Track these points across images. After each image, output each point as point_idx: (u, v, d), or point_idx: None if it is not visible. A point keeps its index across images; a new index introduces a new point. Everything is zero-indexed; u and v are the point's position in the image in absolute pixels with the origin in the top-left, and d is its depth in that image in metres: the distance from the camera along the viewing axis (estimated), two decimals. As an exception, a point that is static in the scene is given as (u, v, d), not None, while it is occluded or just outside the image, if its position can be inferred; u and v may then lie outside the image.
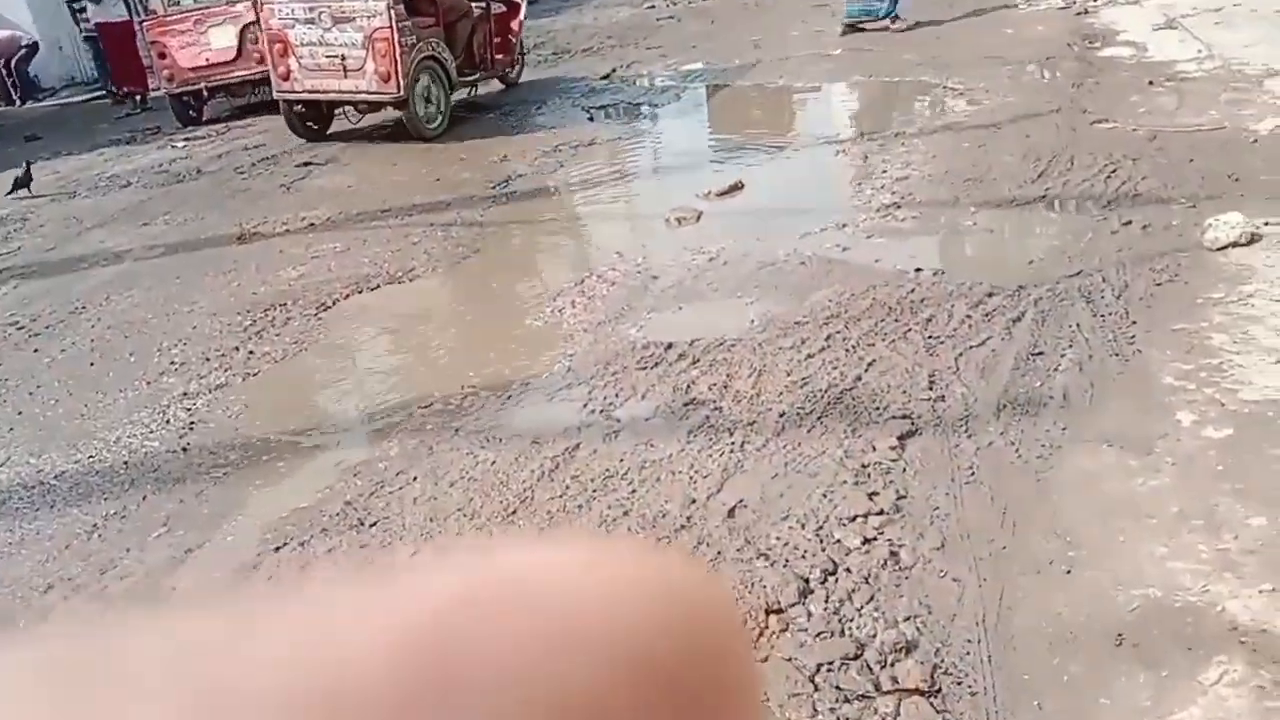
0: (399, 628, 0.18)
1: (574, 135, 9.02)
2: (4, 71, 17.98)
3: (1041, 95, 8.19)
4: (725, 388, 4.03)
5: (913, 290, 4.76)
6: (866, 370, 3.99)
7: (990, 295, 4.58)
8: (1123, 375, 3.73)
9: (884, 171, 6.76)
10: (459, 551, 0.20)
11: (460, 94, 10.16)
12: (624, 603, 0.19)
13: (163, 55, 11.72)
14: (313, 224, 7.26)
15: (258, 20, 9.74)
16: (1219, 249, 4.68)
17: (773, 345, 4.37)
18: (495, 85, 11.28)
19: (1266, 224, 4.81)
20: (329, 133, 10.11)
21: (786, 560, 2.88)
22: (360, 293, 5.79)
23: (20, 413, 4.72)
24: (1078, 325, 4.14)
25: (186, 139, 11.29)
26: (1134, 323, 4.10)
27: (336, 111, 10.01)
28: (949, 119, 7.91)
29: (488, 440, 3.84)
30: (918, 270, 5.00)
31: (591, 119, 9.81)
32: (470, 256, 6.18)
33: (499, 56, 10.75)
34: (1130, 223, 5.24)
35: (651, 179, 7.76)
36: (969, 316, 4.37)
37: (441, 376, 4.52)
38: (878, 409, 3.69)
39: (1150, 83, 8.03)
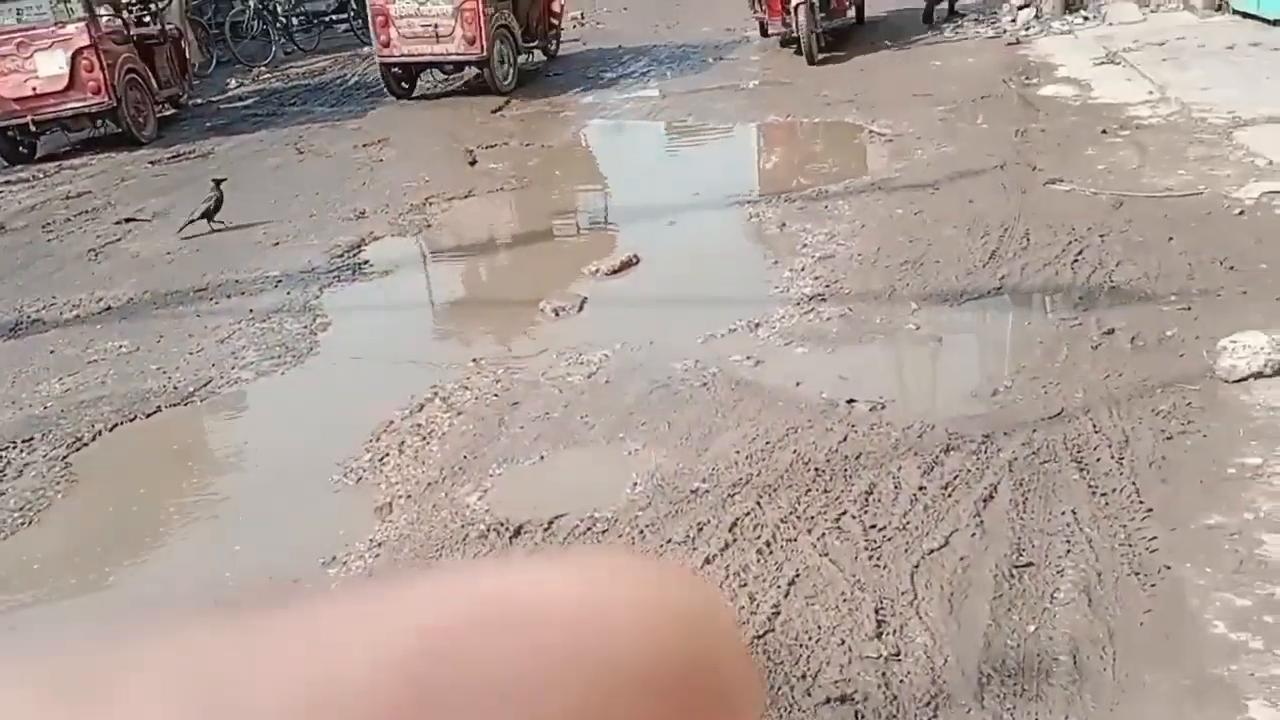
0: (394, 647, 0.18)
1: (450, 185, 7.74)
2: None
3: (981, 145, 7.15)
4: (586, 619, 2.80)
5: (845, 438, 3.59)
6: (786, 594, 2.79)
7: (948, 450, 3.43)
8: (1151, 615, 2.59)
9: (804, 246, 5.61)
10: (455, 572, 0.21)
11: (522, 57, 11.63)
12: (618, 617, 0.19)
13: (-19, 84, 10.13)
14: (109, 307, 5.87)
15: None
16: (1238, 380, 3.61)
17: (658, 534, 3.16)
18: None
19: (1292, 343, 3.76)
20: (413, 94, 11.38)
21: None
22: (132, 421, 4.43)
23: None
24: (1074, 513, 3.00)
25: (9, 181, 9.71)
26: (1149, 510, 2.98)
27: (422, 74, 11.44)
28: (878, 174, 6.81)
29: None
30: (850, 402, 3.85)
31: (474, 163, 8.55)
32: (286, 364, 4.86)
33: (549, 30, 12.49)
34: (1113, 331, 4.15)
35: (530, 249, 6.50)
36: (923, 489, 3.21)
37: (195, 577, 3.22)
38: (804, 677, 2.49)
39: (1104, 131, 7.05)
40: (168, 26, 11.74)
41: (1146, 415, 3.49)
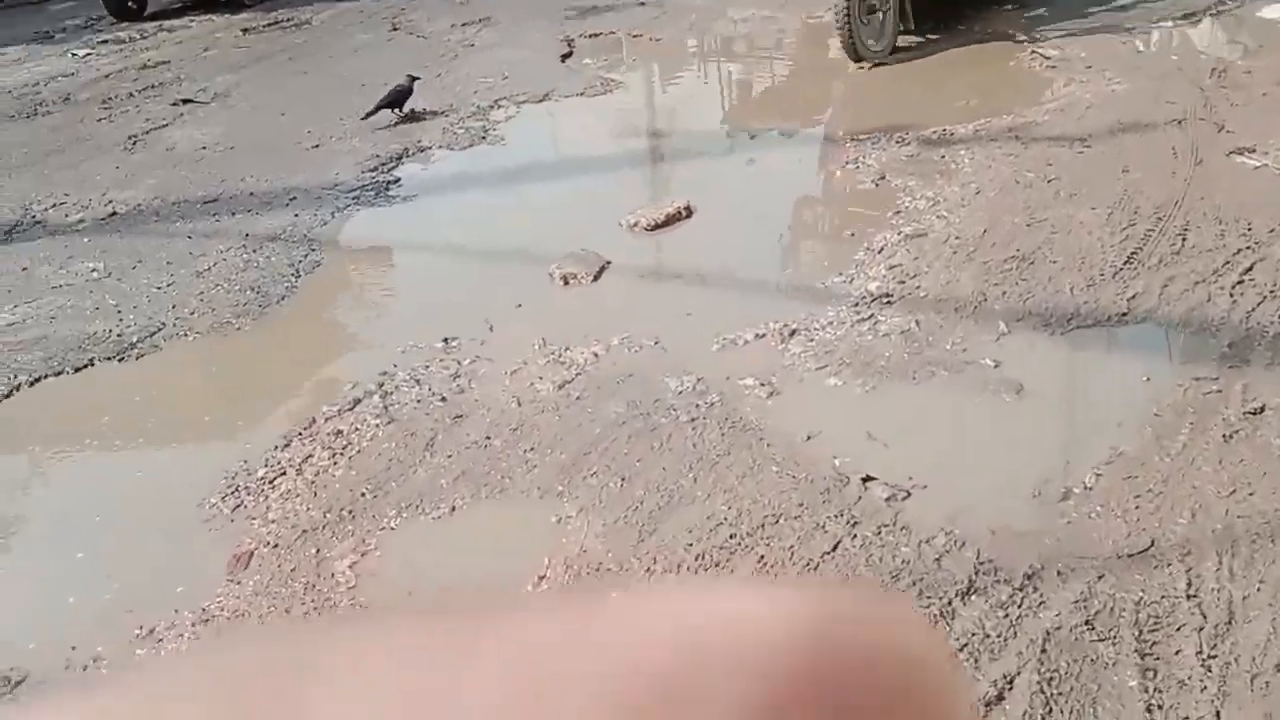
0: (608, 668, 0.18)
1: (530, 82, 6.81)
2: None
3: (1163, 85, 5.69)
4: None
5: (836, 547, 2.64)
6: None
7: (969, 594, 2.44)
8: None
9: (896, 214, 4.49)
10: (675, 592, 0.20)
11: None
12: (834, 649, 0.19)
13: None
14: (114, 213, 5.33)
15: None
16: None
17: None
18: None
19: None
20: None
21: None
22: (59, 375, 3.87)
23: None
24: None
25: (105, 41, 9.31)
26: (1233, 781, 1.96)
27: None
28: (1021, 116, 5.49)
29: None
30: (867, 480, 2.87)
31: (568, 55, 7.58)
32: (248, 315, 4.18)
33: None
34: (1263, 410, 2.99)
35: (575, 181, 5.53)
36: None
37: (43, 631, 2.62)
38: None
39: (1329, 79, 5.49)
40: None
41: (1273, 576, 2.40)
